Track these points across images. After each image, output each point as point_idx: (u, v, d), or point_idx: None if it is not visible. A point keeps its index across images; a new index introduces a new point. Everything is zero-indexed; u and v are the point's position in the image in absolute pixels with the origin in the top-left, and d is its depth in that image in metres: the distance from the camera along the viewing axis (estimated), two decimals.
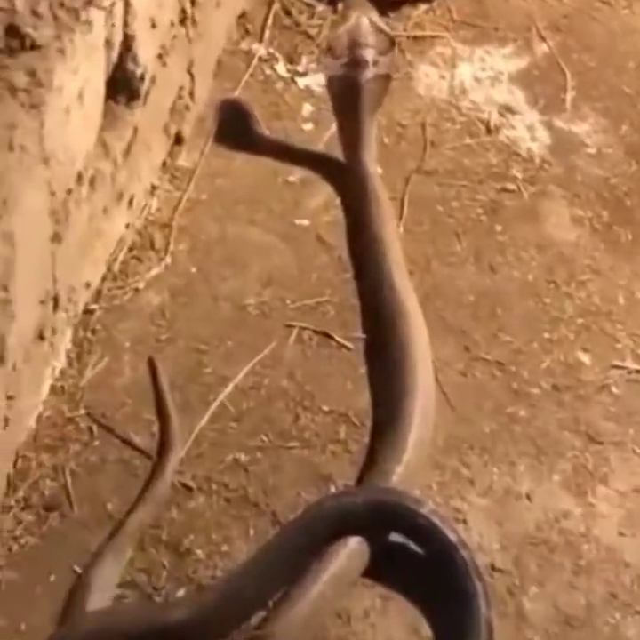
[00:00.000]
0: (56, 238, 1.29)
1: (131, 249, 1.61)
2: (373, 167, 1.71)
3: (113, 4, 1.25)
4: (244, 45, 1.91)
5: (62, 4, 1.14)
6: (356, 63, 1.66)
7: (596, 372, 1.55)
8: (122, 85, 1.42)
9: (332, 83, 1.72)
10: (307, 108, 1.85)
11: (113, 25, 1.33)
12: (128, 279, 1.57)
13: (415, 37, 1.99)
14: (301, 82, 1.90)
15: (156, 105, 1.55)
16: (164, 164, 1.70)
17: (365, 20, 1.65)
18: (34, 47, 1.15)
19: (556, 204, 1.76)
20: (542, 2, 2.09)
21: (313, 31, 1.97)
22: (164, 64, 1.50)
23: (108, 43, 1.33)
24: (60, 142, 1.23)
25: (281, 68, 1.90)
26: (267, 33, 1.94)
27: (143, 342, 1.50)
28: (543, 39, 2.01)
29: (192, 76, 1.70)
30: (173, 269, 1.60)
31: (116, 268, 1.57)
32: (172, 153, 1.73)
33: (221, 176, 1.74)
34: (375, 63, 1.64)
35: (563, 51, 1.99)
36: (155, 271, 1.59)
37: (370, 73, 1.64)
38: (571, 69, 1.96)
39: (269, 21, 1.96)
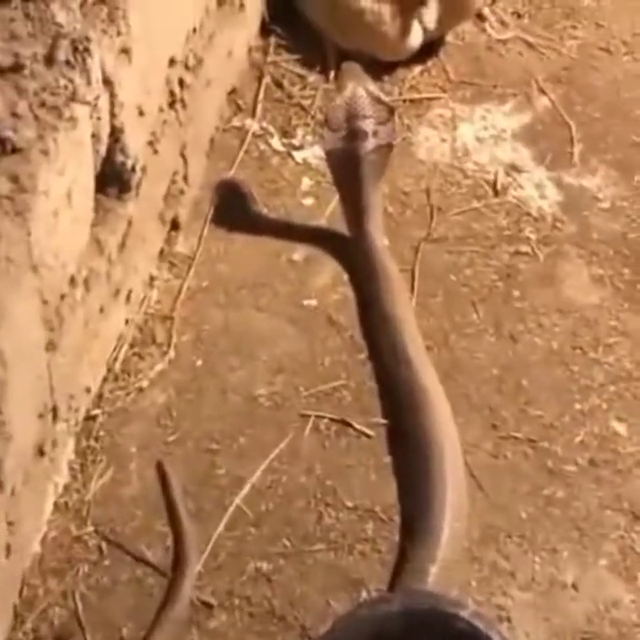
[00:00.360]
0: (51, 347, 1.21)
1: (131, 345, 1.52)
2: (380, 239, 1.64)
3: (97, 98, 1.19)
4: (236, 122, 1.83)
5: (43, 104, 1.07)
6: (355, 135, 1.59)
7: (634, 442, 1.46)
8: (112, 178, 1.35)
9: (331, 156, 1.65)
10: (306, 183, 1.78)
11: (99, 118, 1.26)
12: (130, 378, 1.48)
13: (412, 100, 1.91)
14: (298, 155, 1.83)
15: (149, 194, 1.48)
16: (161, 252, 1.62)
17: (362, 91, 1.59)
18: (15, 150, 1.08)
19: (573, 265, 1.67)
20: (540, 55, 2.02)
21: (306, 102, 1.90)
22: (156, 151, 1.43)
23: (95, 137, 1.26)
24: (49, 247, 1.15)
25: (276, 142, 1.83)
26: (259, 107, 1.87)
27: (150, 446, 1.41)
28: (544, 92, 1.94)
29: (185, 158, 1.63)
30: (177, 364, 1.52)
31: (117, 367, 1.49)
32: (169, 240, 1.65)
33: (222, 261, 1.66)
34: (375, 134, 1.57)
35: (565, 103, 1.93)
36: (158, 367, 1.50)
37: (370, 144, 1.57)
38: (575, 121, 1.89)
39: (261, 95, 1.89)
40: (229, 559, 1.31)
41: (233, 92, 1.86)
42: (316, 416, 1.46)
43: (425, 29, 1.91)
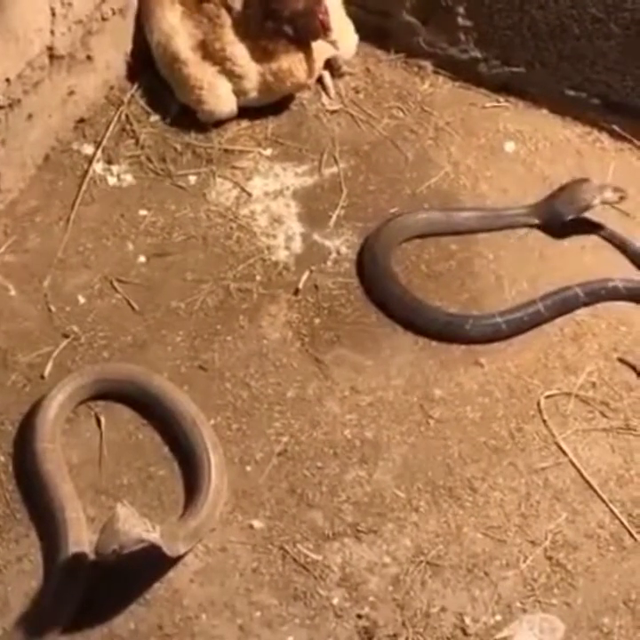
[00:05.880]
0: None
1: None
2: None
3: None
4: (75, 145, 2.26)
5: None
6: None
7: None
8: None
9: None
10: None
11: None
12: None
13: (226, 150, 2.33)
14: (111, 180, 2.17)
15: None
16: None
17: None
18: None
19: (276, 308, 2.08)
20: (356, 129, 2.41)
21: (141, 137, 2.23)
22: None
23: None
24: None
25: (99, 166, 2.26)
26: (106, 136, 2.31)
27: None
28: (336, 161, 2.33)
29: None
30: None
31: None
32: None
33: None
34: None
35: (351, 174, 2.29)
36: None
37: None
38: (348, 190, 2.27)
39: (110, 127, 2.22)
40: None
41: (81, 121, 2.34)
42: None
43: (244, 95, 2.32)
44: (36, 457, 1.81)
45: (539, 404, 1.95)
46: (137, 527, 1.60)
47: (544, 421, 1.93)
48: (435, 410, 1.94)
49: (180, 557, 1.73)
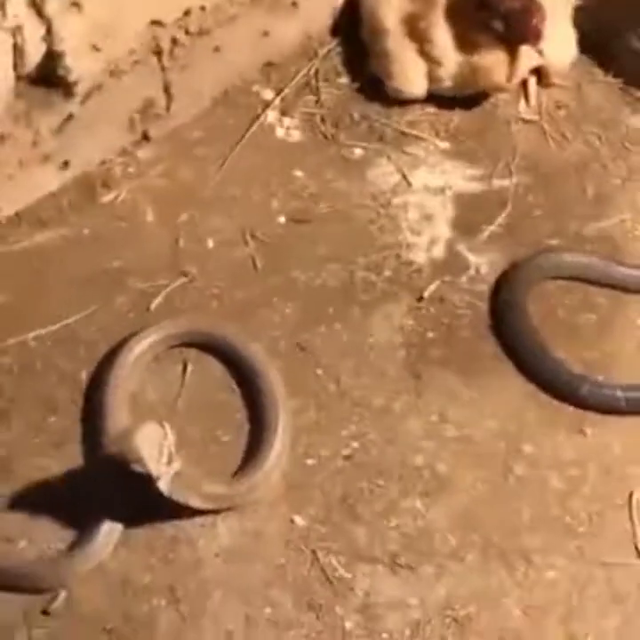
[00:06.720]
0: None
1: None
2: None
3: None
4: (256, 88, 2.23)
5: None
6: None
7: None
8: None
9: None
10: None
11: None
12: None
13: (402, 132, 2.23)
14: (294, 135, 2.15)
15: None
16: None
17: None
18: None
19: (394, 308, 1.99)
20: (545, 144, 2.19)
21: (321, 90, 2.17)
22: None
23: None
24: None
25: (271, 116, 2.21)
26: (289, 86, 2.26)
27: None
28: (510, 174, 2.17)
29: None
30: None
31: None
32: None
33: None
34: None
35: (523, 192, 2.11)
36: None
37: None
38: (513, 209, 2.10)
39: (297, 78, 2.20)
40: None
41: (269, 65, 2.28)
42: None
43: (437, 81, 2.20)
44: (106, 386, 1.81)
45: (631, 495, 1.78)
46: (151, 449, 1.56)
47: (630, 515, 1.77)
48: (519, 465, 1.81)
49: (197, 511, 1.67)
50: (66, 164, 2.02)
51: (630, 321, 2.00)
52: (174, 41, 2.01)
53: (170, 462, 1.60)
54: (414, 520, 1.73)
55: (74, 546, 1.68)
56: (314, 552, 1.70)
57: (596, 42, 2.31)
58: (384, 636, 1.65)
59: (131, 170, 2.11)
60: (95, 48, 1.86)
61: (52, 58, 1.83)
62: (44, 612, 1.63)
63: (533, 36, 2.06)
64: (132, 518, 1.70)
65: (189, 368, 1.88)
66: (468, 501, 1.76)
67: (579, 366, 1.91)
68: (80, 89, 1.90)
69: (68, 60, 1.82)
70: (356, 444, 1.80)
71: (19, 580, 1.66)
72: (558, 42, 2.22)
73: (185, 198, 2.09)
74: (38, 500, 1.73)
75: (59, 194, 2.05)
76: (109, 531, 1.68)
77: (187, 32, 2.02)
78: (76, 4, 1.77)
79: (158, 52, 2.00)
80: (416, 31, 2.17)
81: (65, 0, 1.75)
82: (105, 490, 1.71)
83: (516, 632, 1.66)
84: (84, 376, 1.86)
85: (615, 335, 1.98)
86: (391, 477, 1.77)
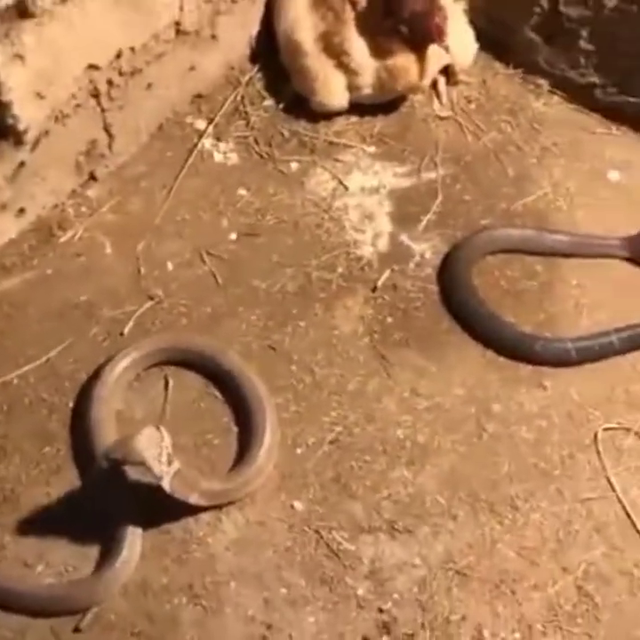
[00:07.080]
0: None
1: None
2: None
3: None
4: (189, 119, 2.37)
5: None
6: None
7: None
8: None
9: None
10: None
11: None
12: None
13: (331, 142, 2.38)
14: (216, 157, 2.27)
15: None
16: None
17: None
18: None
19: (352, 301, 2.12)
20: (463, 137, 2.39)
21: (252, 119, 2.31)
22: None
23: None
24: None
25: (207, 142, 2.34)
26: (220, 113, 2.40)
27: None
28: (436, 167, 2.34)
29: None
30: None
31: None
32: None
33: None
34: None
35: (449, 181, 2.30)
36: None
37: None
38: (443, 196, 2.28)
39: (225, 105, 2.33)
40: None
41: (198, 96, 2.42)
42: None
43: (357, 91, 2.36)
44: (91, 405, 1.89)
45: (596, 435, 1.94)
46: (152, 451, 1.65)
47: (598, 453, 1.93)
48: (490, 424, 1.96)
49: (198, 508, 1.76)
50: (22, 211, 2.13)
51: (567, 282, 2.18)
52: (110, 82, 2.14)
53: (169, 463, 1.70)
54: (405, 488, 1.86)
55: (103, 564, 1.76)
56: (317, 531, 1.82)
57: (493, 38, 2.52)
58: (395, 596, 1.77)
59: (83, 209, 2.23)
60: (39, 96, 1.98)
61: (0, 108, 1.94)
62: (76, 630, 1.72)
63: (437, 35, 2.23)
64: (141, 526, 1.79)
65: (171, 383, 2.00)
66: (451, 463, 1.90)
67: (529, 328, 2.09)
68: (29, 136, 2.00)
69: (16, 109, 1.93)
70: (339, 428, 1.93)
71: (53, 605, 1.71)
72: (458, 40, 2.42)
73: (138, 228, 2.21)
74: (47, 525, 1.81)
75: (18, 240, 2.16)
76: (132, 542, 1.76)
77: (120, 73, 2.16)
78: (19, 56, 1.89)
79: (96, 95, 2.13)
80: (331, 47, 2.34)
81: (9, 52, 1.87)
82: (114, 505, 1.79)
83: (514, 573, 1.80)
84: (70, 405, 1.96)
85: (555, 297, 2.16)
86: (376, 453, 1.90)
